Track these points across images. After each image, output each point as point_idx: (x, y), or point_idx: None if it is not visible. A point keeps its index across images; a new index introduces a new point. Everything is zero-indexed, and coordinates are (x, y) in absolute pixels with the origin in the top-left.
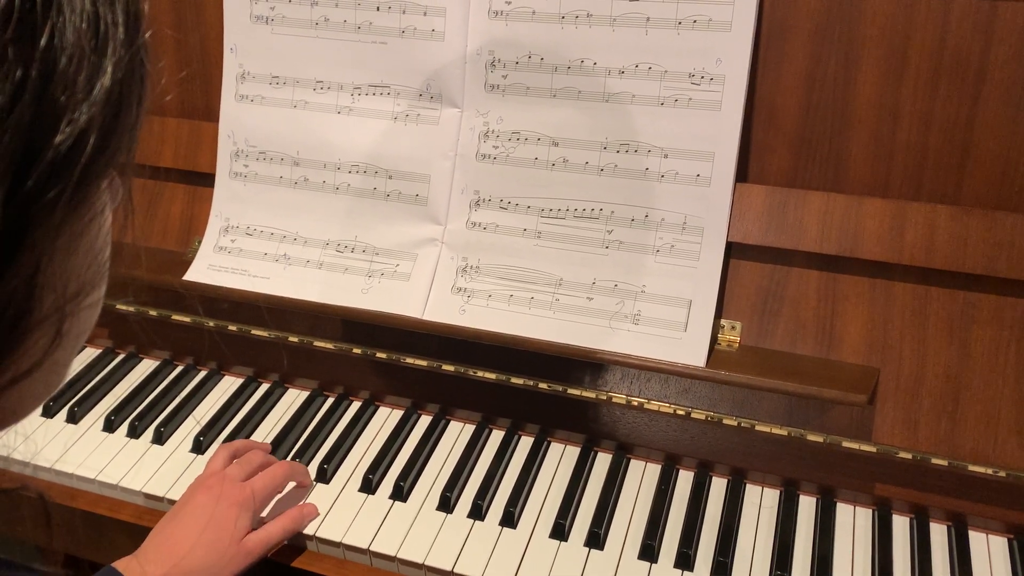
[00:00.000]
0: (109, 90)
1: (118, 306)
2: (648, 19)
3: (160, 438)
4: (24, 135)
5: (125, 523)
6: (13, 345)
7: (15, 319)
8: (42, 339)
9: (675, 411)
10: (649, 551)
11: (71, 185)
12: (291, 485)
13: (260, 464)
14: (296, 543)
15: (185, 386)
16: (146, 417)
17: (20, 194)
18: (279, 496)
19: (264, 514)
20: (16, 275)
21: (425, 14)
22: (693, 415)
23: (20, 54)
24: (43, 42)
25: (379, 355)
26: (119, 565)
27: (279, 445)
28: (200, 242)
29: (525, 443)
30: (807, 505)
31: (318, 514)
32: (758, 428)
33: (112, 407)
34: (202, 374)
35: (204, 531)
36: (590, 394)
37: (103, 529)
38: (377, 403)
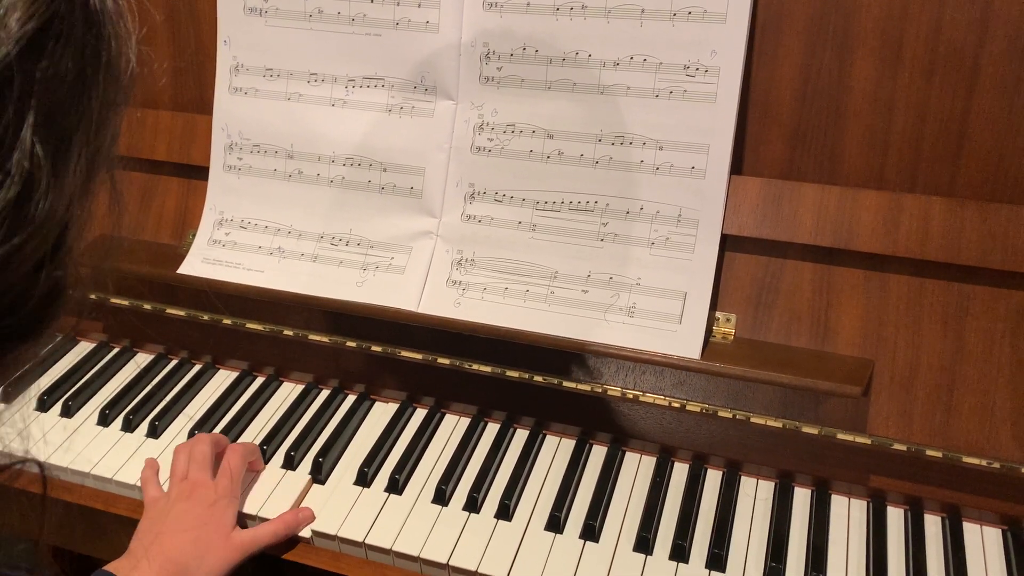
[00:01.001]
0: (132, 79)
1: (112, 300)
2: (643, 11)
3: (155, 432)
4: (99, 115)
5: (120, 517)
6: (53, 319)
7: (58, 294)
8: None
9: (670, 403)
10: (644, 543)
11: (103, 164)
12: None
13: (214, 453)
14: (291, 536)
15: (180, 380)
16: (141, 411)
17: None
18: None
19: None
20: (72, 241)
21: (419, 6)
22: (688, 407)
23: (98, 50)
24: (105, 42)
25: (374, 348)
26: (111, 568)
27: (273, 438)
28: (194, 235)
29: (520, 436)
30: (802, 497)
31: (313, 519)
32: (753, 420)
33: (107, 401)
34: (197, 368)
35: (189, 530)
36: (585, 387)
37: (98, 523)
38: (372, 396)
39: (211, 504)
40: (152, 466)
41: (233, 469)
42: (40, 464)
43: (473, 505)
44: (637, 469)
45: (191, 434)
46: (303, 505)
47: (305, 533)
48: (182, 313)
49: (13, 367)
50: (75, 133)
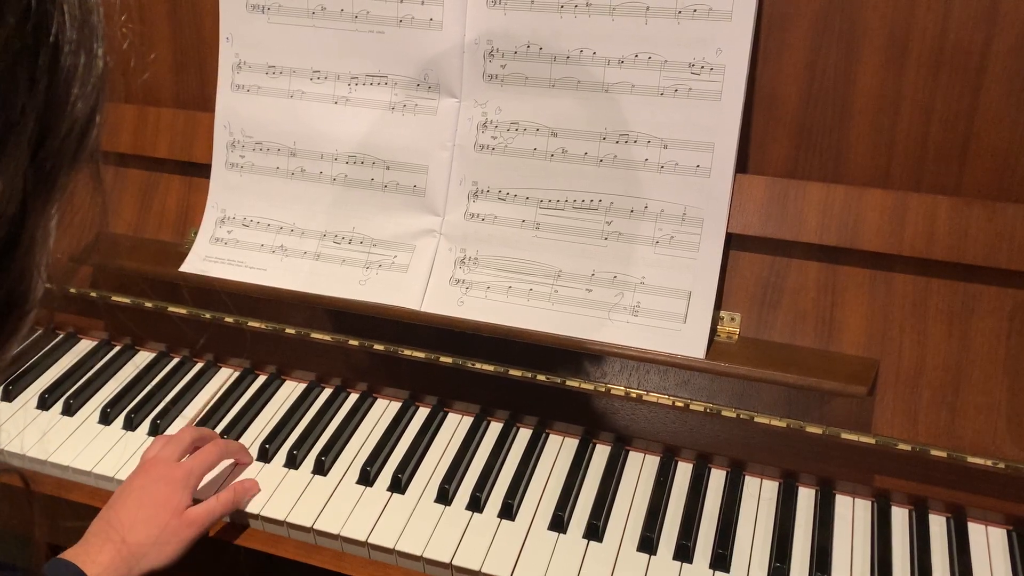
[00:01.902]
0: (100, 77)
1: (114, 298)
2: (648, 8)
3: (156, 430)
4: (39, 120)
5: None
6: (18, 328)
7: (23, 299)
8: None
9: (674, 403)
10: (648, 543)
11: (67, 168)
12: (228, 463)
13: (192, 439)
14: (294, 535)
15: (181, 378)
16: (142, 409)
17: (32, 175)
18: (218, 472)
19: (204, 488)
20: (25, 254)
21: (423, 3)
22: (692, 407)
23: (36, 48)
24: (51, 39)
25: (377, 347)
26: (67, 555)
27: (276, 437)
28: (196, 233)
29: (523, 435)
30: (806, 497)
31: (259, 490)
32: (757, 420)
33: (108, 399)
34: (198, 366)
35: (142, 508)
36: (589, 386)
37: None
38: (375, 395)
39: (167, 481)
40: None
41: (203, 457)
42: (20, 472)
43: (476, 504)
44: (641, 469)
45: None
46: (303, 503)
47: (307, 536)
48: (184, 311)
49: None
50: (5, 140)
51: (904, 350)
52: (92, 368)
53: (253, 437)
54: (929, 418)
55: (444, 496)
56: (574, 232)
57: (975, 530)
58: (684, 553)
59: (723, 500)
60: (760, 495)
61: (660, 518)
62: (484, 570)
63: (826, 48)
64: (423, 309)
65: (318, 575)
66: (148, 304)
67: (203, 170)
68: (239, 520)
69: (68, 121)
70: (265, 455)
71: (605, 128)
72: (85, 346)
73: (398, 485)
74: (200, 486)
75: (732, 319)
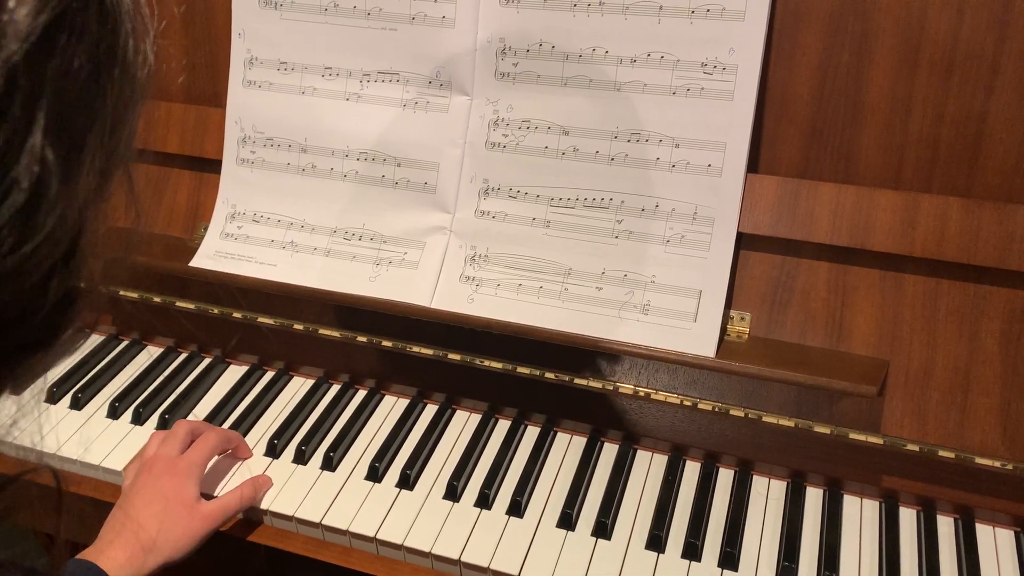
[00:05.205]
0: (149, 75)
1: (122, 292)
2: (661, 8)
3: (165, 425)
4: (112, 120)
5: None
6: (66, 327)
7: (71, 302)
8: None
9: (682, 402)
10: (656, 541)
11: (121, 168)
12: (230, 454)
13: (188, 432)
14: (302, 530)
15: (190, 373)
16: (150, 404)
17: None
18: (222, 466)
19: (210, 479)
20: (79, 260)
21: (436, 1)
22: (700, 406)
23: (113, 51)
24: (121, 42)
25: (385, 343)
26: (85, 555)
27: (284, 433)
28: (206, 228)
29: (532, 433)
30: (814, 497)
31: (272, 485)
32: (765, 419)
33: (116, 394)
34: (207, 361)
35: (152, 503)
36: (597, 384)
37: (106, 516)
38: (383, 391)
39: (172, 475)
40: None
41: (203, 446)
42: (55, 471)
43: (485, 501)
44: (649, 467)
45: None
46: (312, 499)
47: (316, 532)
48: (192, 306)
49: (27, 377)
50: (88, 135)
51: (914, 351)
52: (100, 362)
53: (261, 433)
54: (938, 419)
55: (452, 493)
56: (585, 230)
57: (983, 531)
58: (692, 551)
59: (731, 499)
60: (768, 494)
61: (668, 516)
62: (493, 567)
63: (839, 49)
64: (433, 306)
65: (326, 570)
66: (157, 299)
67: (214, 166)
68: (249, 515)
69: (132, 118)
70: (273, 451)
71: (617, 127)
72: (93, 340)
73: (406, 481)
74: (205, 477)
75: (742, 318)
